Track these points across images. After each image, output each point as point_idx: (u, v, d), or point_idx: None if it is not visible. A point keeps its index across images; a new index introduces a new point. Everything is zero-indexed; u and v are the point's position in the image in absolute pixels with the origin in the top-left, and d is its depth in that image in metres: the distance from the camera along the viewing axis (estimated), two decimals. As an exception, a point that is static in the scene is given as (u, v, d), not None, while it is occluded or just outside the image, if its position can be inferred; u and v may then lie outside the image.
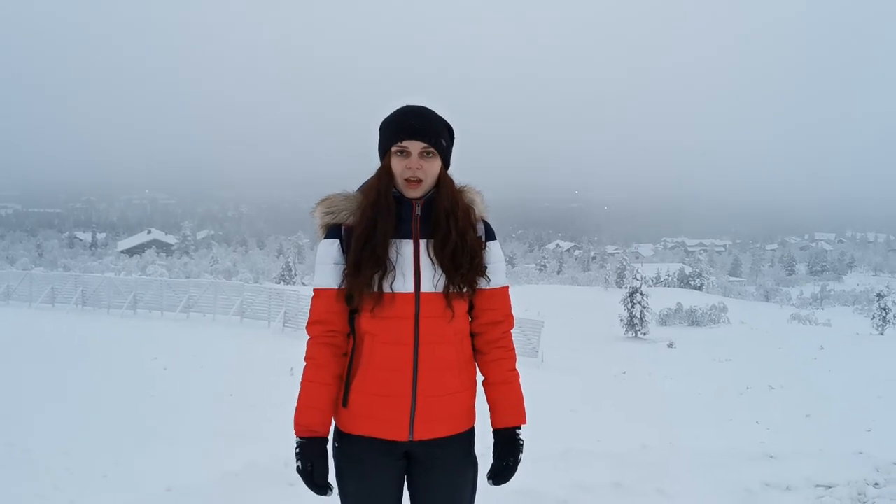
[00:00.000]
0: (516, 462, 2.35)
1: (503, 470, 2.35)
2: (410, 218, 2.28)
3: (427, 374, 2.24)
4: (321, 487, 2.22)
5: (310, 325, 2.32)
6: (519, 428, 2.39)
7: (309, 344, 2.31)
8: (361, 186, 2.37)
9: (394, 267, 2.22)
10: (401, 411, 2.24)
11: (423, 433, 2.26)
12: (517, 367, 2.49)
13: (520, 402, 2.42)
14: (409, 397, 2.23)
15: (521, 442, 2.39)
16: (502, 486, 2.36)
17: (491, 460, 2.39)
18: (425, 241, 2.27)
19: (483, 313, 2.39)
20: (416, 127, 2.23)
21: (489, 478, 2.37)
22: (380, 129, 2.32)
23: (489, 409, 2.42)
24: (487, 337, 2.41)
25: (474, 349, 2.44)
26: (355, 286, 2.21)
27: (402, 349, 2.22)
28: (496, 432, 2.39)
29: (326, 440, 2.25)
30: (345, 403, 2.28)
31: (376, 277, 2.20)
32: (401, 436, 2.25)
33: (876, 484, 5.29)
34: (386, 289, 2.21)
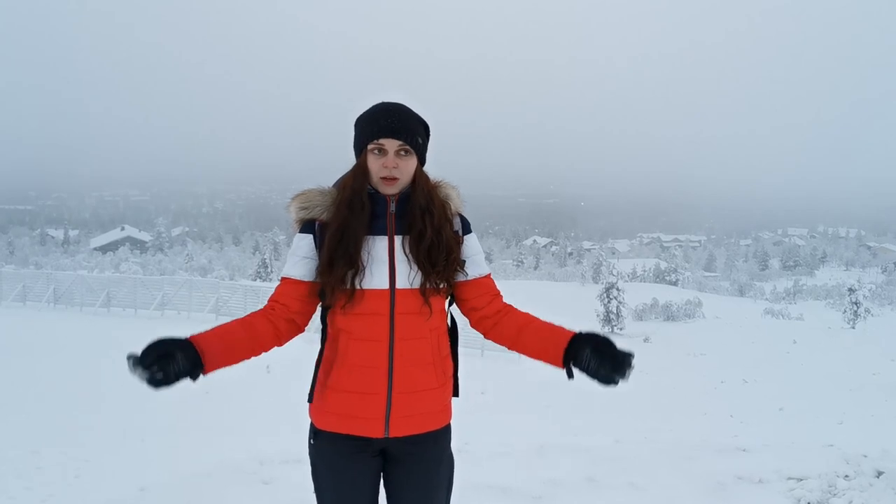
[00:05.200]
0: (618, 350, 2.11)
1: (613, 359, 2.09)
2: (385, 214, 2.28)
3: (402, 371, 2.24)
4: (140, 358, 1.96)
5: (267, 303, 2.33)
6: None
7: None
8: (337, 182, 2.36)
9: (365, 265, 2.22)
10: (376, 408, 2.23)
11: (398, 430, 2.26)
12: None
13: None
14: (385, 394, 2.23)
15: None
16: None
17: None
18: (400, 237, 2.27)
19: (471, 300, 2.39)
20: (393, 125, 2.22)
21: (598, 375, 2.11)
22: (355, 126, 2.31)
23: (541, 347, 2.26)
24: (485, 312, 2.38)
25: (480, 325, 2.41)
26: (328, 283, 2.21)
27: (377, 346, 2.22)
28: (575, 338, 2.19)
29: (189, 346, 2.03)
30: (310, 399, 2.30)
31: (349, 275, 2.20)
32: (376, 433, 2.25)
33: (846, 476, 5.36)
34: (358, 286, 2.20)
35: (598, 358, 2.10)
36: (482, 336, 2.48)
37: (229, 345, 2.15)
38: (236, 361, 2.19)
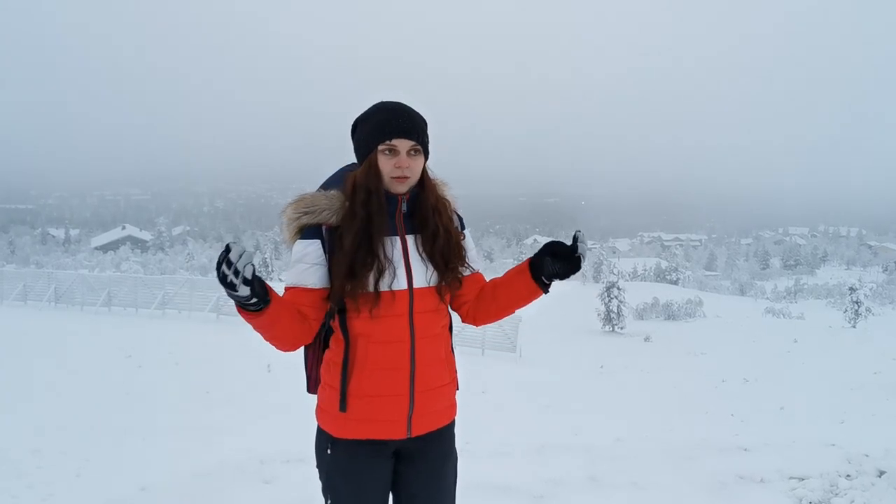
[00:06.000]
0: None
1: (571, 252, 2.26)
2: (395, 214, 2.28)
3: (422, 370, 2.26)
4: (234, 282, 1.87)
5: None
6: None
7: None
8: (330, 184, 2.33)
9: (390, 265, 2.21)
10: (400, 410, 2.24)
11: (419, 429, 2.28)
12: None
13: None
14: (407, 395, 2.24)
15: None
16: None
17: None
18: (412, 236, 2.29)
19: (464, 294, 2.44)
20: (405, 126, 2.22)
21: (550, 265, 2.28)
22: (359, 127, 2.28)
23: (514, 288, 2.39)
24: (474, 298, 2.47)
25: (469, 315, 2.48)
26: (352, 288, 2.18)
27: (399, 347, 2.22)
28: (533, 260, 2.34)
29: (266, 290, 2.00)
30: (343, 408, 2.24)
31: (372, 278, 2.18)
32: (399, 434, 2.26)
33: (848, 475, 5.36)
34: (383, 287, 2.19)
35: (559, 258, 2.27)
36: (473, 326, 2.57)
37: (282, 313, 2.11)
38: (281, 330, 2.15)
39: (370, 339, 2.22)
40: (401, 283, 2.22)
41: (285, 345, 2.23)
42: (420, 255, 2.27)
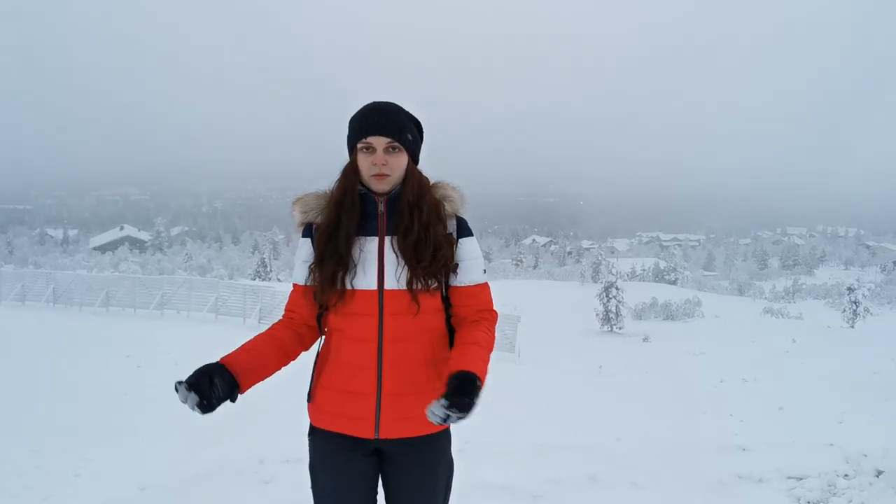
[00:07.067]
0: (471, 403, 1.97)
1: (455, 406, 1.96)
2: (376, 214, 2.29)
3: (392, 372, 2.24)
4: (183, 392, 2.02)
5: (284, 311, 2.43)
6: (478, 379, 2.05)
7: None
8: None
9: (355, 264, 2.23)
10: (366, 409, 2.24)
11: (390, 432, 2.26)
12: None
13: (484, 363, 2.16)
14: (374, 395, 2.23)
15: (479, 386, 2.04)
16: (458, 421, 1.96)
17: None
18: (390, 237, 2.27)
19: (461, 309, 2.35)
20: (380, 123, 2.23)
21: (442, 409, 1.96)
22: (348, 127, 2.33)
23: (448, 361, 2.17)
24: (468, 320, 2.32)
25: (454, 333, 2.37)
26: (319, 283, 2.26)
27: (366, 346, 2.23)
28: (451, 377, 2.05)
29: (223, 369, 2.13)
30: (309, 398, 2.35)
31: (339, 275, 2.22)
32: (366, 433, 2.25)
33: (846, 475, 5.37)
34: (348, 286, 2.22)
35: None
36: None
37: (259, 361, 2.25)
38: (268, 375, 2.29)
39: (343, 335, 2.27)
40: (370, 283, 2.23)
41: (292, 360, 2.39)
42: (395, 256, 2.24)
